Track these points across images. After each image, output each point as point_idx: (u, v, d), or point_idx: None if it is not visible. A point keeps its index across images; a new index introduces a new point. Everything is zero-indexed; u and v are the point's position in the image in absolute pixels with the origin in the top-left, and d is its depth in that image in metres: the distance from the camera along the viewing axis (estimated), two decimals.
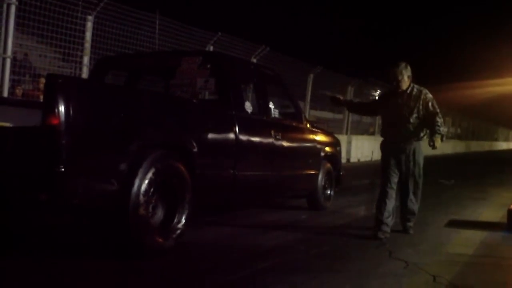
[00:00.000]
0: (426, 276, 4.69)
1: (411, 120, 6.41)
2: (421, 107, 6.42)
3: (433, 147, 6.25)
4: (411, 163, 6.47)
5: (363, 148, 22.84)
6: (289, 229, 6.79)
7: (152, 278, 4.43)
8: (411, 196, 6.58)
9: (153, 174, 4.78)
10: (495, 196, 11.11)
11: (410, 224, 6.65)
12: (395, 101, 6.52)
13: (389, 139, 6.64)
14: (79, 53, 10.80)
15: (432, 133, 6.38)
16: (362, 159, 22.48)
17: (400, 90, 6.45)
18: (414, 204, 6.61)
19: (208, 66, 6.35)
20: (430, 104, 6.44)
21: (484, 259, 5.50)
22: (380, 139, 6.79)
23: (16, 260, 4.69)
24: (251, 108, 6.57)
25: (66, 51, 10.56)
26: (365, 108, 7.76)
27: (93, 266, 4.60)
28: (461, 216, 8.24)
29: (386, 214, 6.38)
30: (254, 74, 7.47)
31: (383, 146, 6.72)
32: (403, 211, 6.65)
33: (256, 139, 6.56)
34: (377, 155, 23.85)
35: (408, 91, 6.46)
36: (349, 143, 21.39)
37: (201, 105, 6.34)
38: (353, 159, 21.72)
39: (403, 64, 6.43)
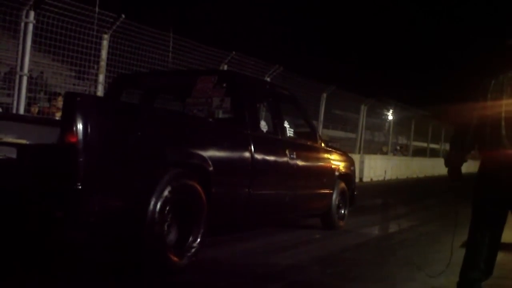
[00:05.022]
0: None
1: None
2: None
3: None
4: None
5: (376, 168, 22.75)
6: (303, 248, 6.77)
7: None
8: None
9: (169, 192, 4.79)
10: None
11: None
12: None
13: None
14: (94, 71, 10.86)
15: None
16: (375, 179, 22.39)
17: None
18: None
19: (224, 85, 6.39)
20: None
21: (501, 281, 5.43)
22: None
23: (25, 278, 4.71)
24: (266, 127, 6.60)
25: (82, 69, 10.61)
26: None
27: (107, 285, 4.59)
28: None
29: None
30: (269, 93, 7.48)
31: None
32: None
33: (271, 158, 6.57)
34: (390, 175, 23.91)
35: None
36: (362, 162, 21.31)
37: (217, 124, 6.36)
38: (366, 179, 21.62)
39: None
